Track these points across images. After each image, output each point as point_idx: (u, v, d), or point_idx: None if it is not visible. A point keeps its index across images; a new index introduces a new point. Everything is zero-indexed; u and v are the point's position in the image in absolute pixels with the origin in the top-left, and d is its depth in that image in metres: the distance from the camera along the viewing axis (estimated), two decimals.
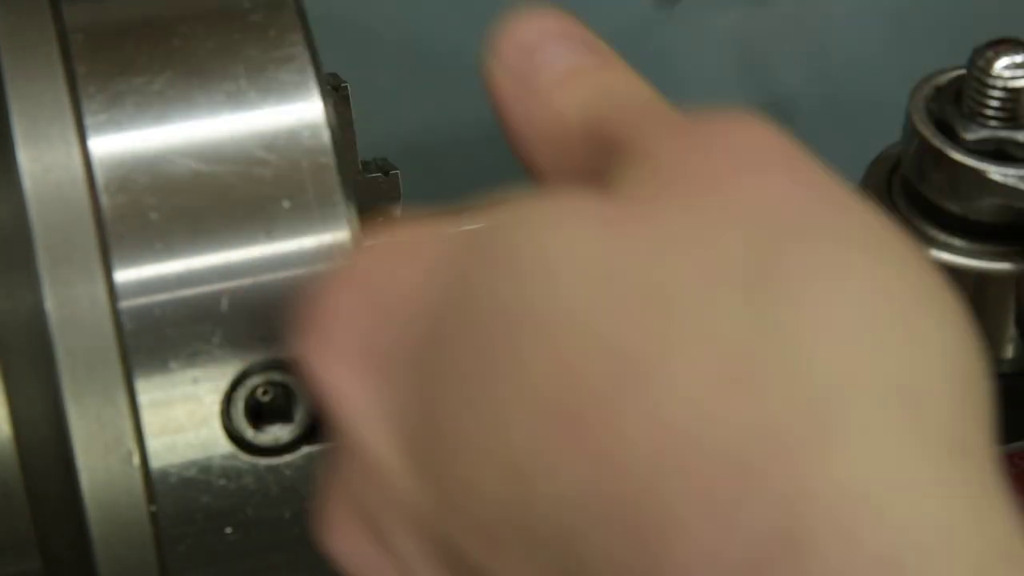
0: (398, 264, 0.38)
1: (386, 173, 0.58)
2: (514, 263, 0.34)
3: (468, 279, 0.35)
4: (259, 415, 0.45)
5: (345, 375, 0.38)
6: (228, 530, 0.45)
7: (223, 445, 0.44)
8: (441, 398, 0.35)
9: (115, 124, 0.45)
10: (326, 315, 0.39)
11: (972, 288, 0.51)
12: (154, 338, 0.43)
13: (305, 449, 0.45)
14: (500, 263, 0.35)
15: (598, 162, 0.38)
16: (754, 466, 0.30)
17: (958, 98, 0.51)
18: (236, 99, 0.45)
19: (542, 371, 0.33)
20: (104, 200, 0.44)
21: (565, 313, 0.33)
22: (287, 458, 0.45)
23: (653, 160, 0.36)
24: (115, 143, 0.44)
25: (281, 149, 0.45)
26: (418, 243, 0.38)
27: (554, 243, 0.34)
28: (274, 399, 0.44)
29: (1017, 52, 0.49)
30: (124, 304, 0.43)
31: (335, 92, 0.56)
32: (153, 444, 0.44)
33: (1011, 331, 0.50)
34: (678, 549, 0.30)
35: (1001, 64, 0.49)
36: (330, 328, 0.38)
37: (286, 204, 0.45)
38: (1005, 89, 0.49)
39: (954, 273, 0.51)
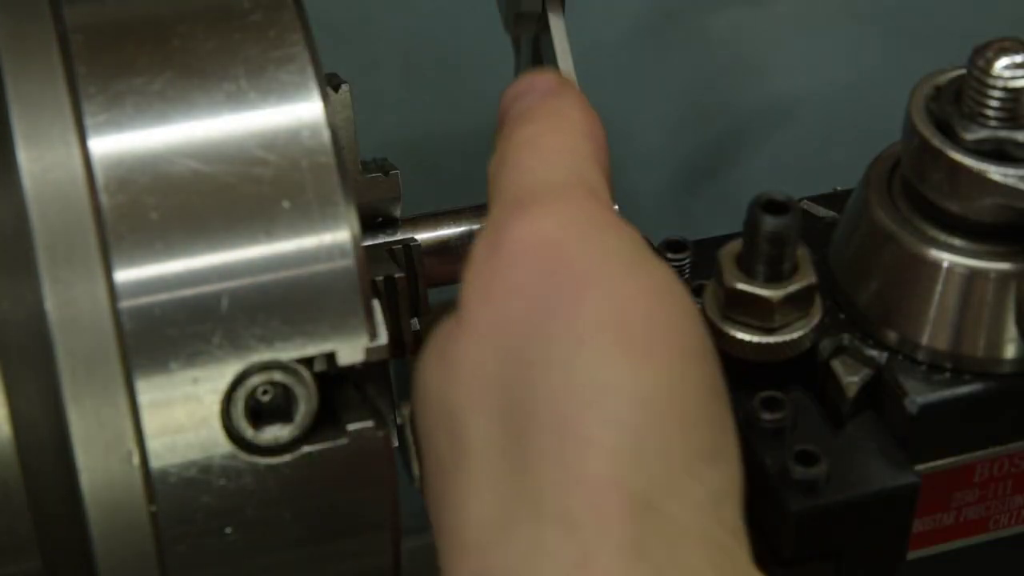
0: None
1: (386, 173, 0.58)
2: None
3: None
4: (259, 415, 0.45)
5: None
6: (228, 530, 0.45)
7: (223, 445, 0.44)
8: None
9: (115, 124, 0.45)
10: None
11: (972, 288, 0.51)
12: (154, 338, 0.43)
13: (305, 449, 0.45)
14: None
15: None
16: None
17: (958, 98, 0.51)
18: (236, 99, 0.45)
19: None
20: (104, 200, 0.44)
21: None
22: (287, 458, 0.45)
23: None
24: (115, 143, 0.44)
25: (281, 149, 0.45)
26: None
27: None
28: (274, 399, 0.44)
29: (1017, 52, 0.49)
30: (124, 304, 0.43)
31: (335, 92, 0.56)
32: (153, 444, 0.44)
33: (1011, 331, 0.50)
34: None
35: (1001, 64, 0.49)
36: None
37: (286, 204, 0.45)
38: (1005, 89, 0.49)
39: (954, 273, 0.51)
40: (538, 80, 0.51)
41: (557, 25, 0.60)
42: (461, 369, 0.44)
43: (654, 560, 0.41)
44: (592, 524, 0.41)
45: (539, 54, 0.64)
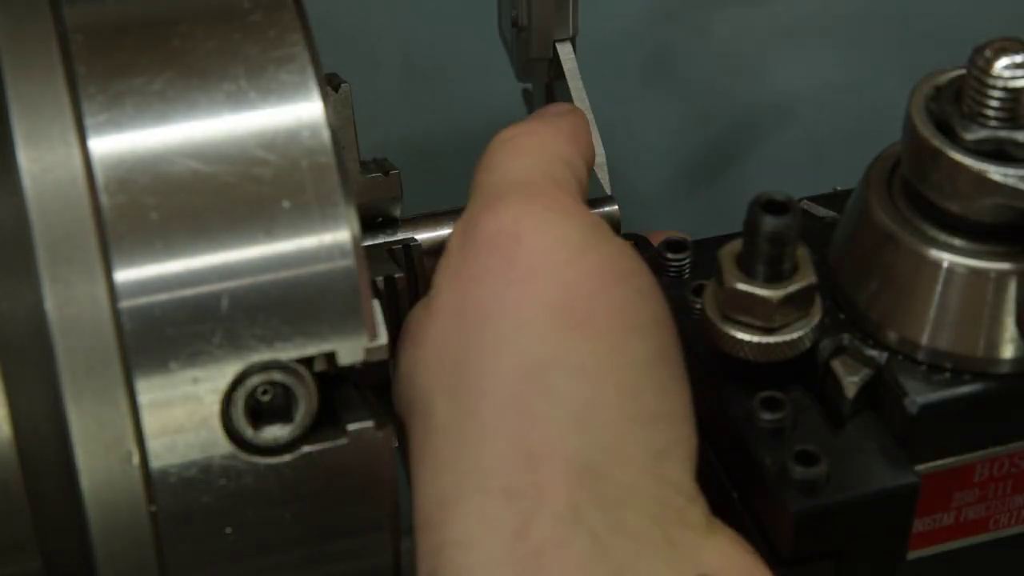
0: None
1: (386, 173, 0.58)
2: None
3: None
4: (259, 415, 0.45)
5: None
6: (228, 530, 0.45)
7: (223, 445, 0.44)
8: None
9: (115, 124, 0.45)
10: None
11: (972, 288, 0.50)
12: (154, 338, 0.43)
13: (305, 449, 0.45)
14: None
15: None
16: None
17: (958, 98, 0.51)
18: (236, 99, 0.45)
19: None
20: (104, 200, 0.44)
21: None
22: (287, 458, 0.45)
23: None
24: (115, 143, 0.44)
25: (281, 149, 0.45)
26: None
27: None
28: (274, 399, 0.44)
29: (1017, 52, 0.49)
30: (124, 304, 0.43)
31: (335, 92, 0.56)
32: (153, 444, 0.44)
33: (1011, 331, 0.50)
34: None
35: (1001, 64, 0.49)
36: None
37: (286, 204, 0.45)
38: (1005, 89, 0.49)
39: (954, 273, 0.51)
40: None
41: (571, 67, 0.62)
42: (427, 352, 0.48)
43: (590, 523, 0.44)
44: (531, 494, 0.44)
45: (553, 98, 0.65)
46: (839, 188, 0.60)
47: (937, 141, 0.50)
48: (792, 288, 0.51)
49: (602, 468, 0.45)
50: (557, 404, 0.46)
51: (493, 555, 0.44)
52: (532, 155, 0.52)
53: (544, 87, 0.66)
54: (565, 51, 0.63)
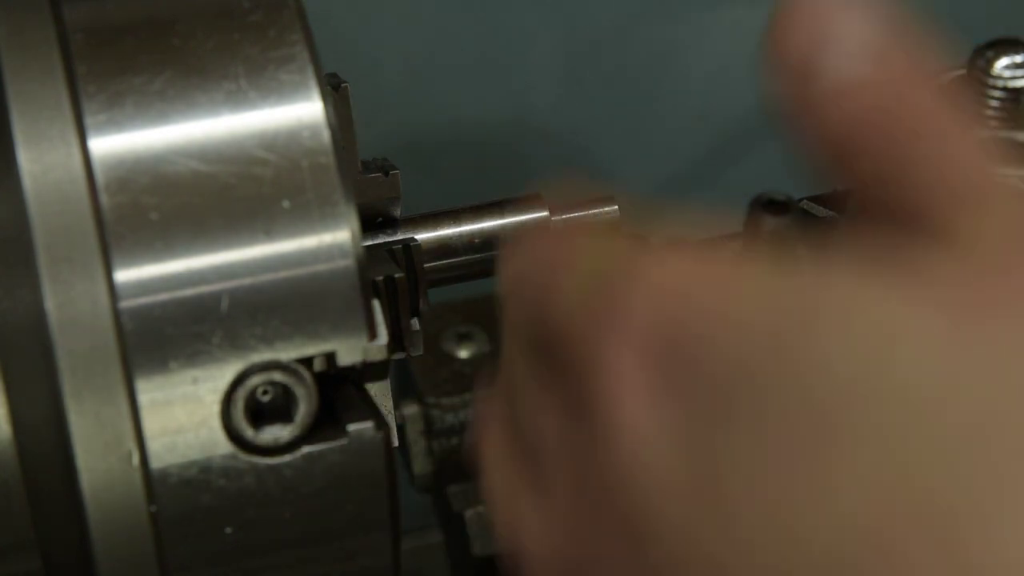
0: (700, 292, 0.35)
1: (386, 173, 0.58)
2: (848, 330, 0.32)
3: (782, 338, 0.33)
4: (259, 415, 0.45)
5: (630, 364, 0.35)
6: (228, 530, 0.45)
7: (223, 445, 0.44)
8: (746, 451, 0.32)
9: (115, 124, 0.45)
10: (618, 303, 0.35)
11: None
12: (154, 338, 0.43)
13: (305, 449, 0.45)
14: (830, 329, 0.32)
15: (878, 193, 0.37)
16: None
17: (958, 98, 0.51)
18: (236, 99, 0.45)
19: (879, 453, 0.31)
20: (104, 200, 0.44)
21: (911, 398, 0.31)
22: (287, 458, 0.45)
23: (981, 239, 0.34)
24: (115, 143, 0.44)
25: (281, 149, 0.45)
26: (718, 277, 0.35)
27: (894, 317, 0.32)
28: (274, 399, 0.44)
29: (1017, 52, 0.49)
30: (124, 304, 0.43)
31: (335, 92, 0.56)
32: (153, 444, 0.44)
33: None
34: None
35: (1001, 64, 0.49)
36: (626, 316, 0.35)
37: (286, 204, 0.45)
38: (1005, 89, 0.49)
39: None
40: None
41: None
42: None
43: None
44: None
45: None
46: (839, 188, 0.60)
47: None
48: None
49: None
50: None
51: None
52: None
53: None
54: None
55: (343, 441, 0.45)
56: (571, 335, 0.36)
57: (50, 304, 0.43)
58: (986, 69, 0.49)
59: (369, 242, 0.58)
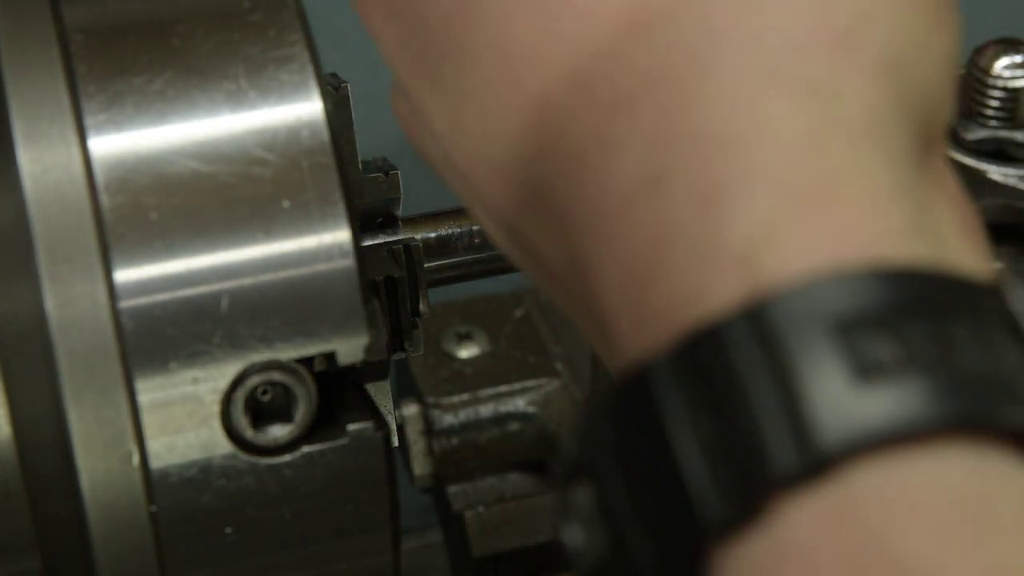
0: None
1: (386, 173, 0.58)
2: None
3: None
4: (259, 415, 0.45)
5: (379, 23, 0.46)
6: (228, 530, 0.45)
7: (223, 445, 0.44)
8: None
9: (115, 124, 0.45)
10: None
11: None
12: (154, 338, 0.43)
13: (305, 449, 0.45)
14: None
15: None
16: (638, 107, 0.35)
17: (958, 98, 0.51)
18: (236, 99, 0.45)
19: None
20: (104, 200, 0.44)
21: None
22: (287, 458, 0.45)
23: None
24: (115, 143, 0.44)
25: (281, 149, 0.45)
26: None
27: None
28: (274, 399, 0.44)
29: (1017, 52, 0.49)
30: (124, 304, 0.43)
31: (335, 92, 0.56)
32: (153, 444, 0.44)
33: None
34: (579, 176, 0.36)
35: (1001, 64, 0.49)
36: None
37: (286, 204, 0.45)
38: (1005, 89, 0.49)
39: None
40: None
41: None
42: None
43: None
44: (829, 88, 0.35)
45: None
46: None
47: None
48: None
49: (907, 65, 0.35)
50: None
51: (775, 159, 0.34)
52: None
53: None
54: None
55: (343, 441, 0.45)
56: None
57: (50, 304, 0.43)
58: (986, 69, 0.49)
59: (369, 242, 0.58)
